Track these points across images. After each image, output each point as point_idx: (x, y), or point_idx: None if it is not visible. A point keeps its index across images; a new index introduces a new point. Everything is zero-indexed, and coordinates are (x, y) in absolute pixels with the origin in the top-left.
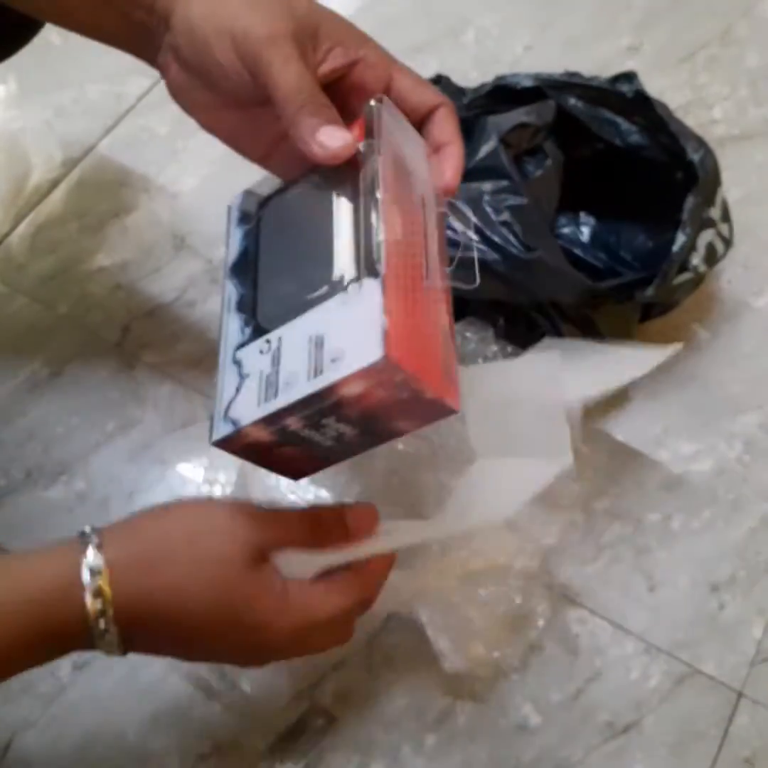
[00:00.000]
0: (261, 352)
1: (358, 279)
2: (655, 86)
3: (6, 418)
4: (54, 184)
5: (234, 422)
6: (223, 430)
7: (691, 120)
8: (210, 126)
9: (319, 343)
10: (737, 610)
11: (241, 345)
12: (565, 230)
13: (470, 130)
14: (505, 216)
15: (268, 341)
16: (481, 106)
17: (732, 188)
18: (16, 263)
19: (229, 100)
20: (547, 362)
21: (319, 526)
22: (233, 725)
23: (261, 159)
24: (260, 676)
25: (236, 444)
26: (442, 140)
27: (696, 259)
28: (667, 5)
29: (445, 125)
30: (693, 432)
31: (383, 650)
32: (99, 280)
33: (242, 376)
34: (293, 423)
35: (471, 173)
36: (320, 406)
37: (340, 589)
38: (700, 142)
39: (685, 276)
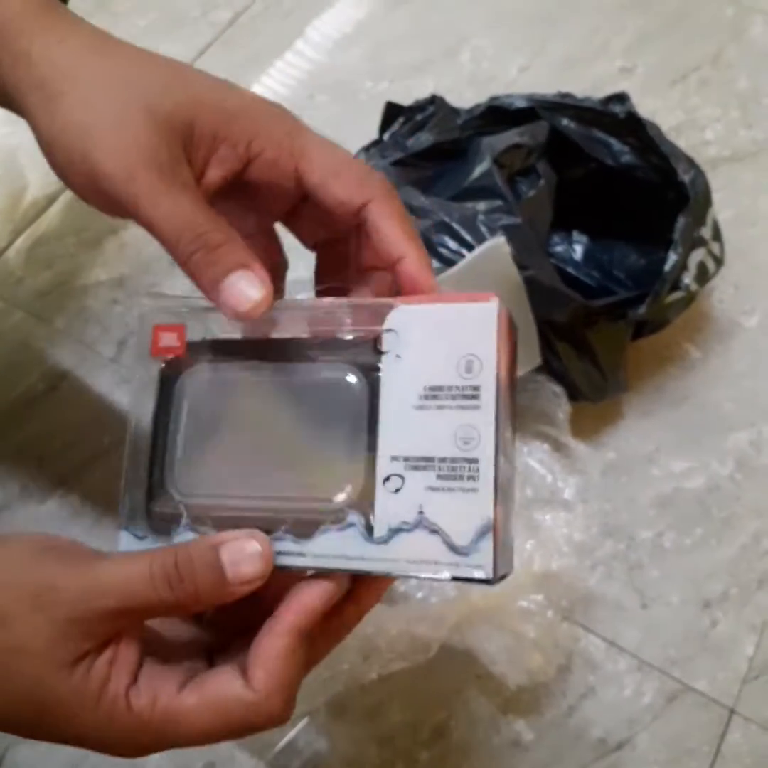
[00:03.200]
0: (397, 490)
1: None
2: (647, 107)
3: (2, 432)
4: (51, 199)
5: (483, 532)
6: (484, 558)
7: (683, 141)
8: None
9: (432, 390)
10: (729, 628)
11: (368, 535)
12: (559, 249)
13: (464, 151)
14: (499, 235)
15: (387, 478)
16: (475, 126)
17: (723, 209)
18: (13, 278)
19: None
20: (496, 252)
21: (177, 573)
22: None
23: None
24: None
25: (498, 549)
26: (394, 253)
27: (687, 278)
28: (660, 28)
29: (388, 234)
30: (685, 449)
31: (377, 668)
32: (96, 295)
33: (418, 523)
34: (501, 464)
35: (465, 193)
36: (498, 410)
37: (222, 707)
38: (691, 163)
39: (677, 295)
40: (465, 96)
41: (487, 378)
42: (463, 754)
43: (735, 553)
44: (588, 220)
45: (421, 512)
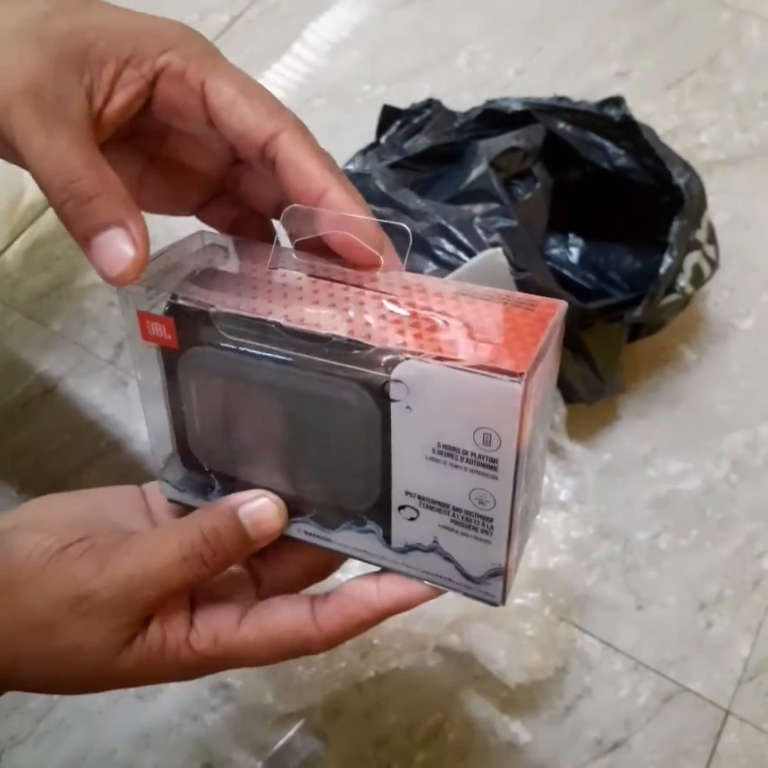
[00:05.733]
0: (412, 519)
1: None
2: (643, 111)
3: None
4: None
5: (494, 573)
6: (494, 590)
7: (678, 145)
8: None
9: (446, 448)
10: (725, 629)
11: (386, 543)
12: (555, 251)
13: (461, 154)
14: (496, 238)
15: (402, 507)
16: (471, 130)
17: (718, 212)
18: (10, 280)
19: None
20: (492, 262)
21: (208, 549)
22: (225, 742)
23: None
24: (251, 693)
25: (508, 583)
26: (316, 188)
27: (683, 281)
28: (656, 32)
29: (304, 165)
30: (681, 451)
31: (375, 665)
32: (93, 297)
33: (433, 549)
34: (518, 511)
35: (462, 196)
36: (517, 481)
37: (282, 638)
38: (686, 166)
39: (673, 297)
40: (461, 99)
41: (507, 453)
42: (459, 755)
43: (730, 555)
44: (584, 223)
45: (435, 541)
